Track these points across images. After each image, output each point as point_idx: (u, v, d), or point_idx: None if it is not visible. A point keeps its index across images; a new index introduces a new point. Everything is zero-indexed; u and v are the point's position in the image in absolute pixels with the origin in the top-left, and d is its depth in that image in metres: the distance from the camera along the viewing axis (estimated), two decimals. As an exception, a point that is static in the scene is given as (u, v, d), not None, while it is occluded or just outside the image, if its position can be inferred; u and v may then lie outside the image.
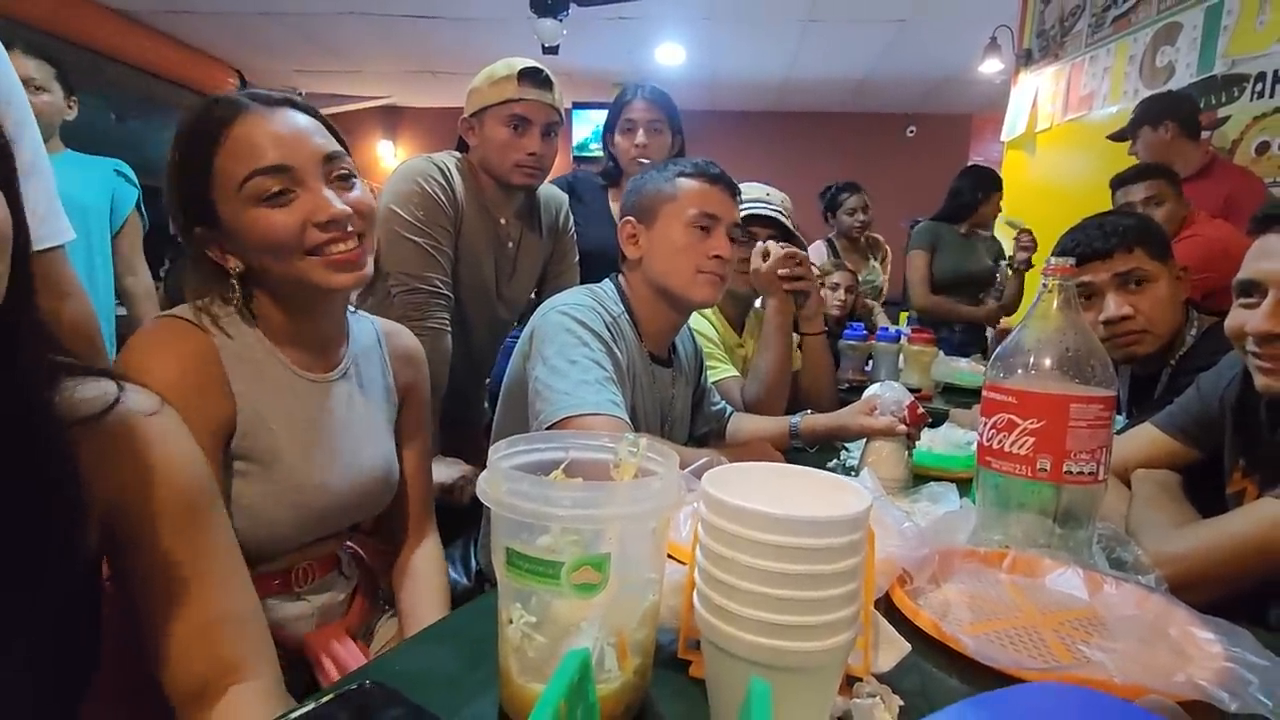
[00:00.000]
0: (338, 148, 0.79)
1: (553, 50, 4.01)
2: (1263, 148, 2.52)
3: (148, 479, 0.53)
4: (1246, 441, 0.98)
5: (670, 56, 5.36)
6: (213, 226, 0.75)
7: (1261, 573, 0.77)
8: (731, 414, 1.37)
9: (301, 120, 0.77)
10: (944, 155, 5.99)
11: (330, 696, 0.46)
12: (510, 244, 1.49)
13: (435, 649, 0.60)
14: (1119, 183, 2.21)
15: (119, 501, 0.52)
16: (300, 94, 0.82)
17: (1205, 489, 1.02)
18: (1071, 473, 0.74)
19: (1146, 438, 1.10)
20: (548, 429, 0.91)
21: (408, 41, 5.26)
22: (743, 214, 1.53)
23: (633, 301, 1.14)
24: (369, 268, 0.79)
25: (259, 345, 0.79)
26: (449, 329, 1.35)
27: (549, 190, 1.61)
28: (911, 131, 6.62)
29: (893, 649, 0.54)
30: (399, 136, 7.03)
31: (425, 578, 0.92)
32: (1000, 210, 2.97)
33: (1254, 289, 0.84)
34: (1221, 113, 2.68)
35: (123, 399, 0.52)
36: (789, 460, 1.14)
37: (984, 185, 2.94)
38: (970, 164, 3.10)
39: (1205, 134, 2.47)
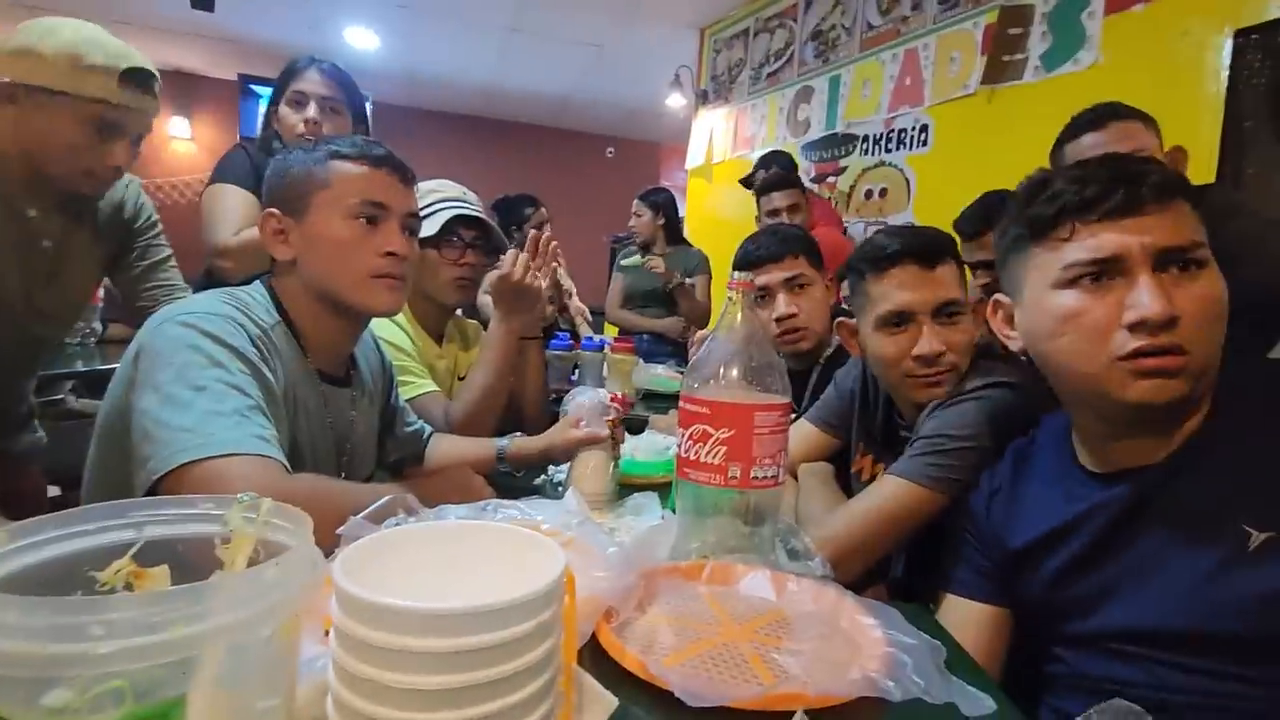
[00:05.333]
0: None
1: (206, 6, 3.33)
2: (869, 194, 3.18)
3: None
4: (865, 426, 1.17)
5: (362, 40, 4.90)
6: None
7: (891, 537, 0.91)
8: (432, 435, 1.22)
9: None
10: (639, 178, 6.52)
11: None
12: (46, 242, 1.15)
13: None
14: (766, 187, 2.67)
15: None
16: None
17: (849, 471, 1.21)
18: (758, 478, 0.77)
19: (803, 432, 1.25)
20: (159, 480, 0.67)
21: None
22: (452, 213, 1.41)
23: (291, 310, 0.92)
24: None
25: None
26: None
27: None
28: (611, 152, 7.07)
29: (598, 708, 0.47)
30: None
31: None
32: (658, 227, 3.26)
33: (905, 319, 0.96)
34: (842, 163, 3.33)
35: None
36: (495, 484, 1.05)
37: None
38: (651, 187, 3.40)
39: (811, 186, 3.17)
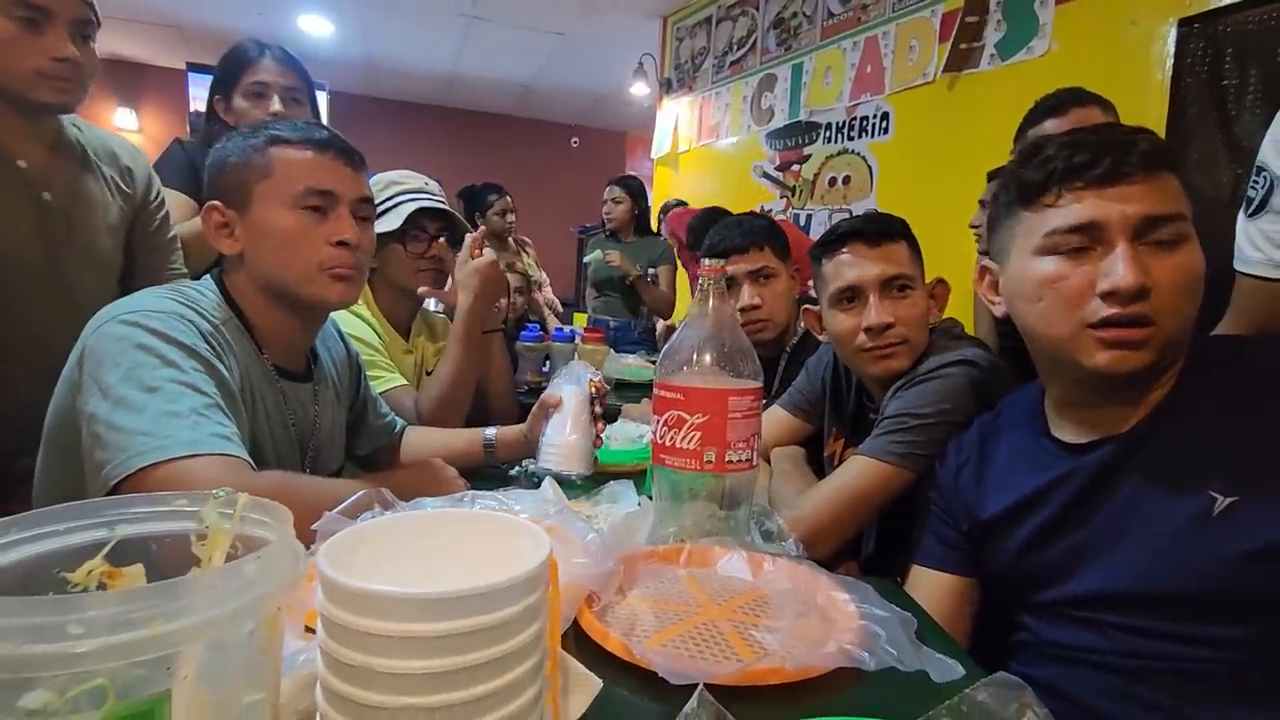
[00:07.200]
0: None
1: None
2: (832, 181, 3.22)
3: None
4: (837, 411, 1.20)
5: (316, 27, 4.77)
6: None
7: (861, 514, 0.94)
8: (404, 428, 1.20)
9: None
10: (604, 167, 6.48)
11: None
12: (47, 195, 1.09)
13: None
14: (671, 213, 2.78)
15: None
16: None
17: (821, 455, 1.23)
18: (732, 462, 0.78)
19: (776, 417, 1.27)
20: (117, 486, 0.65)
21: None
22: (415, 205, 1.38)
23: (243, 305, 0.88)
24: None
25: None
26: None
27: (114, 138, 1.24)
28: (575, 142, 7.01)
29: (583, 690, 0.48)
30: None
31: None
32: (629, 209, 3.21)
33: (855, 294, 1.01)
34: (806, 150, 3.36)
35: None
36: (468, 475, 1.04)
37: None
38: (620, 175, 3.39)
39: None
